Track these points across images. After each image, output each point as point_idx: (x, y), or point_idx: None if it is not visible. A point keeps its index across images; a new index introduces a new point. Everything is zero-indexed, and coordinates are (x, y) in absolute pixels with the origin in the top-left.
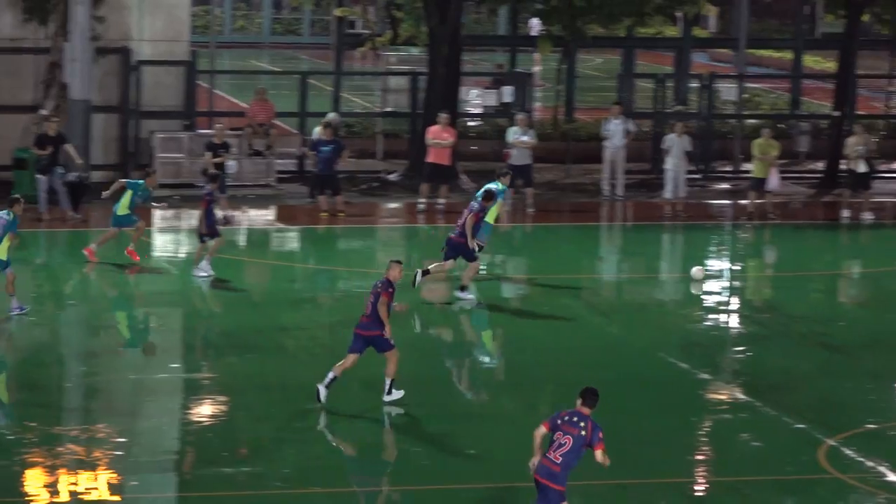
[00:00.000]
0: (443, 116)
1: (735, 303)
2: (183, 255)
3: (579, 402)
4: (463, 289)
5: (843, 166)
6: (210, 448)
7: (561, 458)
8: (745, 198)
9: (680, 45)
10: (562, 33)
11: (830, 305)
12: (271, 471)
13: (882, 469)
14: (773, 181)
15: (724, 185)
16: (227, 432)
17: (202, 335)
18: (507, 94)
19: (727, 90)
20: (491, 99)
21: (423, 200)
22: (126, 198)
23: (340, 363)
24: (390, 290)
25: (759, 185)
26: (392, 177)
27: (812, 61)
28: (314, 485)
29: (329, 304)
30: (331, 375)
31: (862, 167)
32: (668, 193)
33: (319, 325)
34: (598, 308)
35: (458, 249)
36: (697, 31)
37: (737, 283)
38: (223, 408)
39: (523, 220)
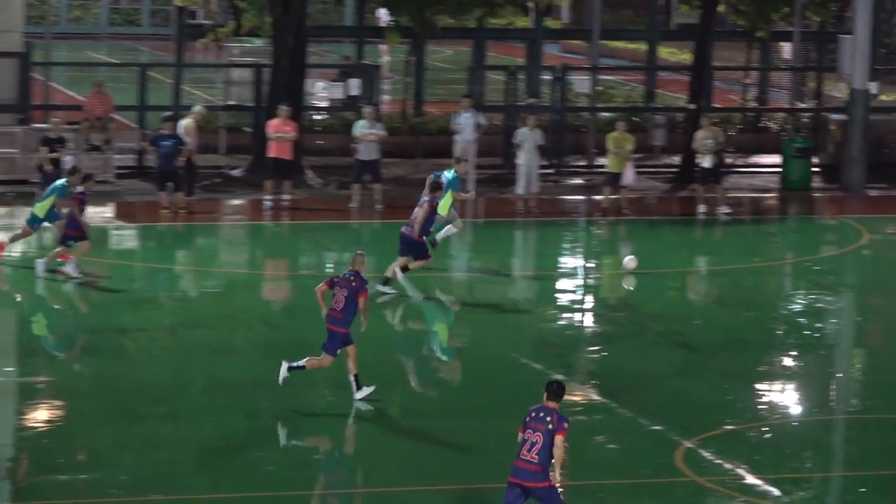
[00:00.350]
0: (283, 109)
1: (589, 301)
2: (17, 254)
3: (545, 396)
4: (386, 282)
5: (699, 160)
6: (46, 454)
7: (538, 457)
8: (599, 193)
9: (532, 36)
10: (410, 24)
11: (686, 303)
12: (109, 478)
13: (740, 471)
14: (629, 176)
15: (578, 181)
16: (63, 438)
17: (38, 337)
18: (354, 86)
19: (580, 82)
20: (337, 92)
21: (268, 197)
22: (48, 202)
23: (351, 360)
24: (366, 286)
25: (613, 179)
26: (235, 172)
27: (667, 53)
28: (154, 492)
29: (170, 305)
30: (351, 377)
31: (708, 162)
32: (520, 189)
33: (160, 327)
34: (449, 307)
35: (409, 245)
36: (550, 22)
37: (591, 281)
38: (60, 412)
39: (371, 217)
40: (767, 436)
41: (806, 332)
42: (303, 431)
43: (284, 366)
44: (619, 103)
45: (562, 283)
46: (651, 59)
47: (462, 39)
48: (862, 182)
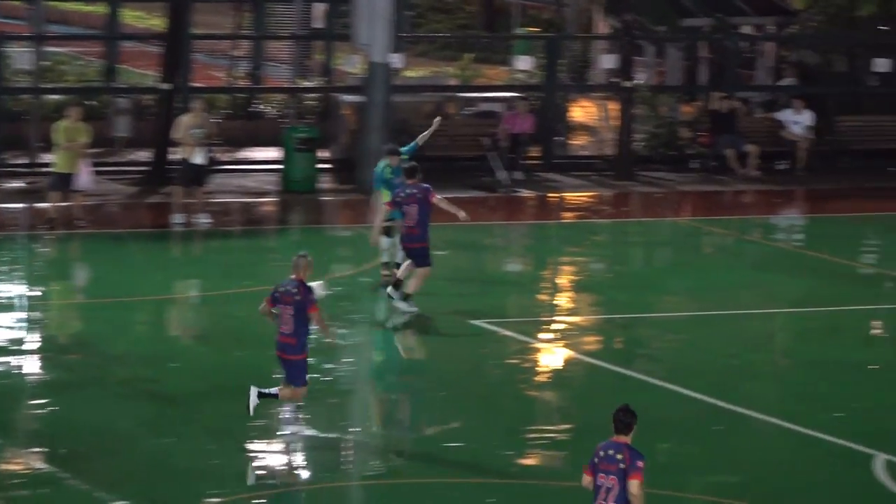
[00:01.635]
0: None
1: (33, 340)
2: None
3: (613, 429)
4: (406, 298)
5: (177, 156)
6: None
7: None
8: (44, 200)
9: None
10: None
11: (160, 341)
12: None
13: None
14: (84, 177)
15: (17, 183)
16: None
17: None
18: None
19: (20, 56)
20: None
21: None
22: None
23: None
24: (313, 297)
25: (63, 182)
26: None
27: (133, 17)
28: None
29: None
30: (274, 391)
31: (199, 157)
32: None
33: None
34: None
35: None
36: None
37: (35, 314)
38: None
39: None
40: None
41: (311, 375)
42: None
43: (254, 392)
44: (70, 83)
45: None
46: (112, 26)
47: None
48: None
